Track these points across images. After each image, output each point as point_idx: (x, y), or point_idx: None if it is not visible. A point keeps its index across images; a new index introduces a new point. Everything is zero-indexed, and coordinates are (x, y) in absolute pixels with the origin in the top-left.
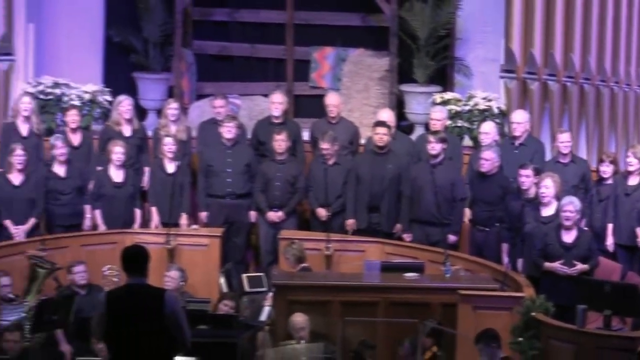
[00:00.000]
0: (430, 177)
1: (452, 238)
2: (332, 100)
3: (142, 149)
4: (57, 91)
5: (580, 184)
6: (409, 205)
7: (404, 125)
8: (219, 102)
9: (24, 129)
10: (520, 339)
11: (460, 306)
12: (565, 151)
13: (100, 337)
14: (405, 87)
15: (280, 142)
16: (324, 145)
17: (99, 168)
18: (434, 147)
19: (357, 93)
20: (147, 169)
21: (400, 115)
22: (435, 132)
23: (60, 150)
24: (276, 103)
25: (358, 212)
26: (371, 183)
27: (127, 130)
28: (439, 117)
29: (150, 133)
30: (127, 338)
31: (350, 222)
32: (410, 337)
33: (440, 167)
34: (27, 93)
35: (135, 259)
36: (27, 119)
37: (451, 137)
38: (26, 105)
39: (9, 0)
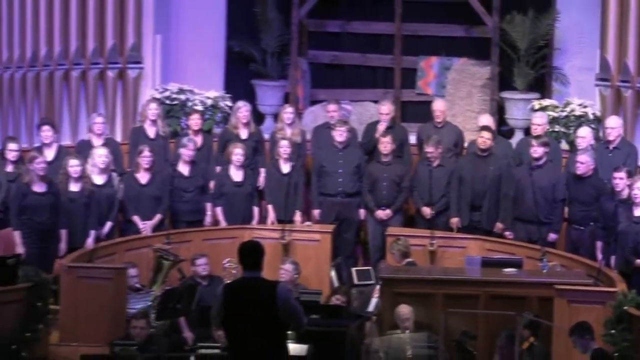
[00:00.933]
0: (531, 179)
1: (552, 236)
2: (438, 105)
3: (257, 151)
4: (182, 97)
5: None
6: (512, 205)
7: (504, 130)
8: (332, 107)
9: (151, 132)
10: (613, 331)
11: (556, 300)
12: None
13: (218, 325)
14: (505, 94)
15: (385, 144)
16: (429, 148)
17: (218, 168)
18: (536, 150)
19: (460, 99)
20: (262, 170)
21: (501, 120)
22: (537, 137)
23: (189, 150)
24: (384, 114)
25: (461, 210)
26: (473, 183)
27: (244, 134)
28: (539, 122)
29: (267, 136)
30: (242, 327)
31: (454, 220)
32: (507, 328)
33: (541, 169)
34: (154, 99)
35: (251, 254)
36: (154, 122)
37: (551, 141)
38: (153, 110)
39: (139, 13)
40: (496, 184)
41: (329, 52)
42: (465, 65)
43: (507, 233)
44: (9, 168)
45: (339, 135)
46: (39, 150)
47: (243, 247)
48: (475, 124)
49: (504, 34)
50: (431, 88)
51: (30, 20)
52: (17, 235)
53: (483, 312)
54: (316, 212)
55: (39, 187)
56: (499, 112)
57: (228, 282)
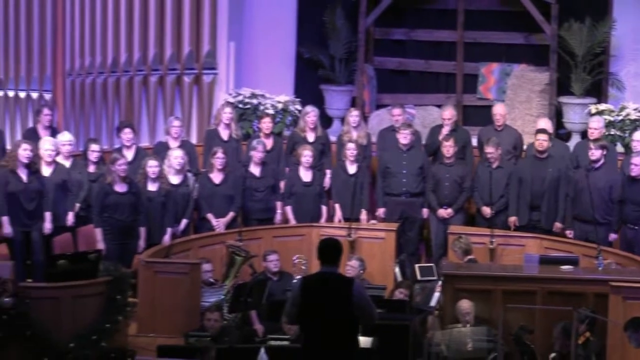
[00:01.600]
0: (589, 181)
1: (613, 236)
2: (498, 109)
3: (324, 153)
4: (254, 101)
5: None
6: (571, 205)
7: (562, 133)
8: (396, 111)
9: (224, 134)
10: None
11: (611, 296)
12: None
13: (292, 317)
14: (563, 99)
15: (448, 147)
16: (489, 149)
17: (287, 169)
18: (594, 153)
19: (519, 104)
20: (328, 171)
21: (559, 124)
22: (595, 140)
23: (259, 152)
24: (446, 119)
25: (520, 210)
26: (532, 184)
27: (310, 137)
28: (597, 126)
29: (334, 138)
30: (318, 319)
31: (513, 219)
32: (563, 321)
33: (598, 171)
34: (228, 103)
35: (330, 250)
36: (228, 125)
37: (607, 144)
38: (227, 114)
39: (214, 22)
40: (554, 184)
41: (394, 58)
42: (525, 71)
43: (567, 232)
44: (91, 168)
45: (404, 137)
46: (119, 151)
47: (323, 244)
48: (533, 128)
49: (562, 41)
50: (492, 93)
51: (111, 29)
52: (98, 232)
53: (540, 308)
54: (381, 211)
55: (120, 187)
56: (557, 116)
57: (305, 275)
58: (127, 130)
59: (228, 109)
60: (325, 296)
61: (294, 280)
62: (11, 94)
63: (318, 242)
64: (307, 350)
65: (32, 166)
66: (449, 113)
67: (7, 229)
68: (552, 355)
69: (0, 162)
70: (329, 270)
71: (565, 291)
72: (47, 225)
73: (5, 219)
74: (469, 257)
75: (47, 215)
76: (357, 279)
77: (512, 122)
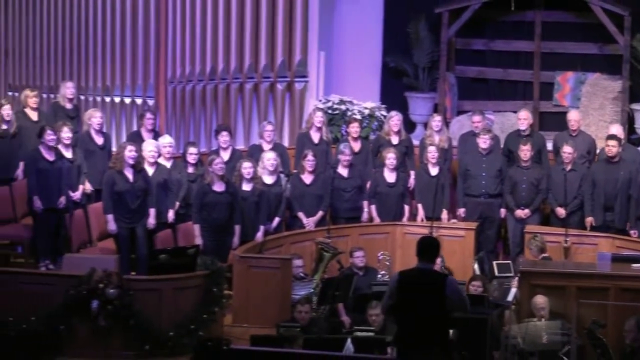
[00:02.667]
0: None
1: None
2: (573, 116)
3: (407, 155)
4: (343, 107)
5: None
6: (635, 206)
7: (633, 138)
8: (477, 117)
9: (315, 137)
10: None
11: None
12: None
13: (388, 308)
14: (635, 106)
15: (525, 151)
16: (567, 149)
17: (374, 170)
18: None
19: (593, 111)
20: (412, 172)
21: (631, 129)
22: None
23: (346, 156)
24: (522, 119)
25: (595, 211)
26: (605, 187)
27: (395, 140)
28: None
29: (417, 142)
30: (411, 313)
31: (588, 220)
32: (636, 316)
33: None
34: (319, 108)
35: (428, 247)
36: (319, 129)
37: None
38: (319, 118)
39: (305, 33)
40: (626, 187)
41: (475, 67)
42: (599, 80)
43: (632, 232)
44: (190, 169)
45: (483, 142)
46: (216, 153)
47: (422, 241)
48: (606, 133)
49: (635, 51)
50: (567, 100)
51: (210, 40)
52: (196, 229)
53: (612, 304)
54: (461, 211)
55: (218, 187)
56: (629, 122)
57: (402, 270)
58: (224, 133)
59: (319, 113)
60: (419, 291)
61: (379, 275)
62: (117, 99)
63: (418, 240)
64: (400, 342)
65: (137, 166)
66: (524, 114)
67: (112, 226)
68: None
69: (108, 163)
70: (425, 267)
71: (637, 288)
72: (151, 222)
73: (110, 216)
74: (544, 255)
75: (151, 212)
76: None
77: (586, 128)
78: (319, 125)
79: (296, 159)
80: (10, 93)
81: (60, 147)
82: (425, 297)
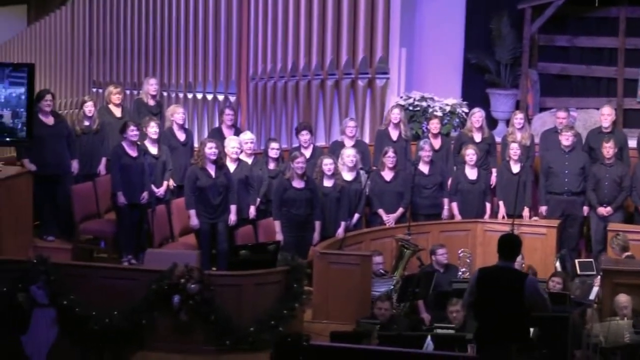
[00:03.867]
0: None
1: None
2: None
3: (489, 152)
4: (424, 104)
5: None
6: None
7: None
8: (562, 114)
9: (394, 134)
10: None
11: None
12: None
13: (468, 305)
14: None
15: (608, 148)
16: None
17: (455, 167)
18: None
19: None
20: (493, 169)
21: None
22: None
23: (426, 152)
24: (605, 115)
25: None
26: None
27: (477, 137)
28: None
29: (499, 139)
30: (491, 310)
31: None
32: None
33: None
34: (398, 105)
35: (509, 245)
36: (397, 126)
37: None
38: (396, 115)
39: (387, 30)
40: None
41: (557, 64)
42: None
43: None
44: (271, 165)
45: (566, 139)
46: (298, 150)
47: (503, 239)
48: None
49: None
50: None
51: (291, 37)
52: (277, 225)
53: None
54: (543, 209)
55: (298, 183)
56: None
57: (482, 267)
58: (304, 132)
59: (396, 110)
60: (498, 289)
61: (459, 273)
62: (199, 96)
63: (499, 238)
64: (480, 339)
65: (219, 162)
66: (607, 110)
67: (194, 221)
68: None
69: (190, 160)
70: (505, 265)
71: None
72: (232, 218)
73: (192, 212)
74: (627, 253)
75: (233, 208)
76: (533, 276)
77: None
78: (396, 122)
79: (375, 156)
80: (94, 90)
81: (146, 142)
82: (504, 295)
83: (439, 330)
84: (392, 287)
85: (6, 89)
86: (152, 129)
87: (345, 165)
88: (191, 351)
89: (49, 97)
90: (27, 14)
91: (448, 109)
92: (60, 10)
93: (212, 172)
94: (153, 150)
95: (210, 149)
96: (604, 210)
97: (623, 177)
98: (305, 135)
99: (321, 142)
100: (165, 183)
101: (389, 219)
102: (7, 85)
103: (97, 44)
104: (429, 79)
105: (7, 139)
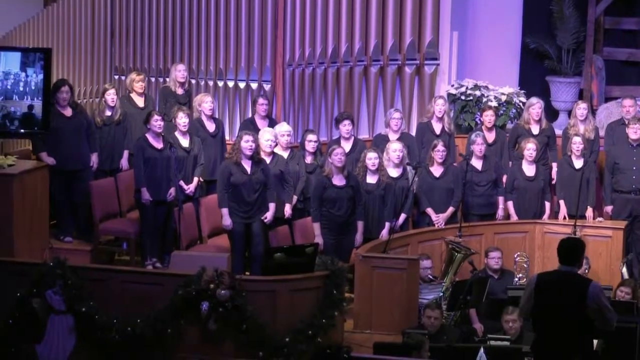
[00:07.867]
0: None
1: None
2: None
3: (549, 146)
4: (477, 93)
5: None
6: None
7: None
8: (628, 102)
9: (437, 128)
10: None
11: None
12: None
13: (526, 312)
14: None
15: None
16: None
17: (510, 163)
18: None
19: None
20: (554, 165)
21: None
22: None
23: (479, 146)
24: None
25: None
26: None
27: (535, 129)
28: None
29: (560, 132)
30: (550, 318)
31: None
32: None
33: None
34: (441, 96)
35: (571, 250)
36: (440, 119)
37: None
38: (439, 107)
39: (437, 11)
40: None
41: (625, 49)
42: None
43: None
44: (308, 159)
45: (634, 132)
46: (337, 143)
47: (564, 243)
48: None
49: None
50: None
51: (332, 18)
52: (316, 227)
53: None
54: (609, 209)
55: (338, 180)
56: None
57: (541, 272)
58: (346, 122)
59: (440, 101)
60: (558, 296)
61: (515, 279)
62: (231, 84)
63: (560, 241)
64: (538, 348)
65: (255, 157)
66: None
67: (227, 221)
68: None
69: (221, 152)
70: (567, 270)
71: None
72: (269, 217)
73: (225, 210)
74: None
75: (271, 206)
76: (597, 282)
77: None
78: (439, 114)
79: (424, 150)
80: (116, 77)
81: (176, 134)
82: (565, 303)
83: (493, 342)
84: (442, 294)
85: (37, 75)
86: (182, 120)
87: (391, 160)
88: None
89: (65, 88)
90: None
91: (504, 98)
92: None
93: (248, 168)
94: (184, 142)
95: (247, 143)
96: None
97: None
98: (347, 126)
99: (364, 135)
100: (195, 179)
101: (438, 219)
102: (38, 71)
103: (119, 26)
104: (483, 66)
105: (22, 130)
